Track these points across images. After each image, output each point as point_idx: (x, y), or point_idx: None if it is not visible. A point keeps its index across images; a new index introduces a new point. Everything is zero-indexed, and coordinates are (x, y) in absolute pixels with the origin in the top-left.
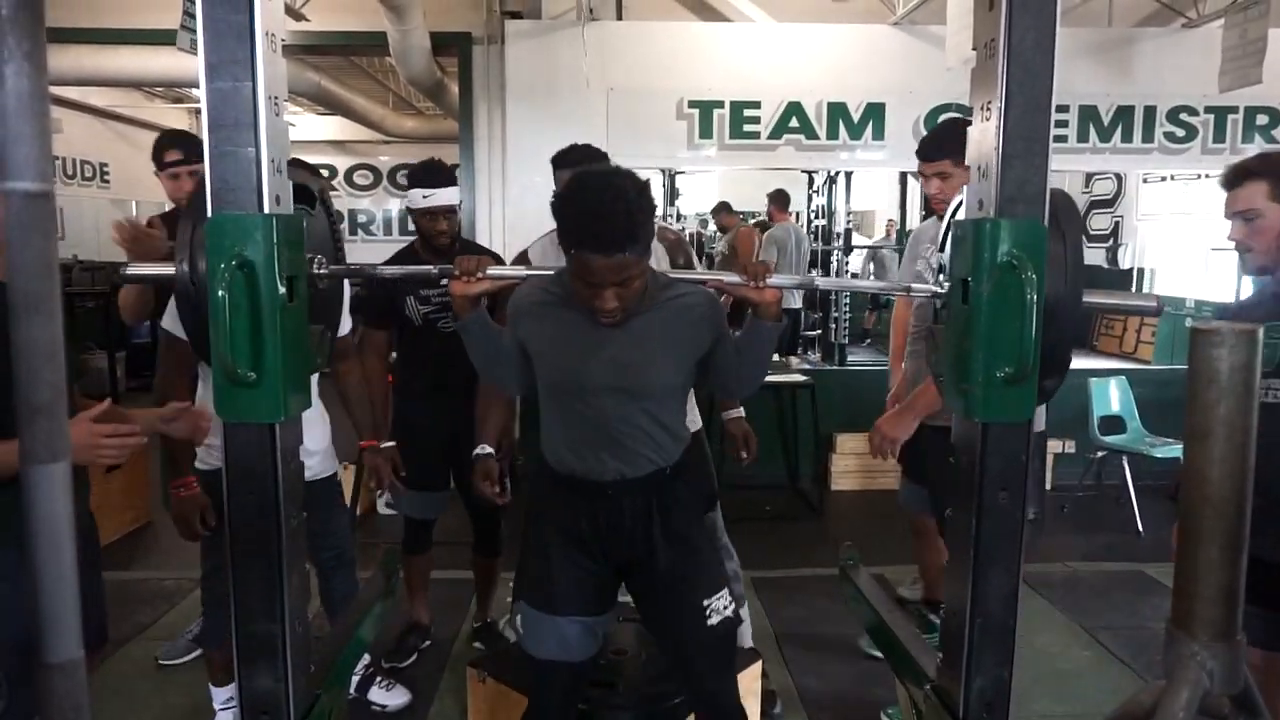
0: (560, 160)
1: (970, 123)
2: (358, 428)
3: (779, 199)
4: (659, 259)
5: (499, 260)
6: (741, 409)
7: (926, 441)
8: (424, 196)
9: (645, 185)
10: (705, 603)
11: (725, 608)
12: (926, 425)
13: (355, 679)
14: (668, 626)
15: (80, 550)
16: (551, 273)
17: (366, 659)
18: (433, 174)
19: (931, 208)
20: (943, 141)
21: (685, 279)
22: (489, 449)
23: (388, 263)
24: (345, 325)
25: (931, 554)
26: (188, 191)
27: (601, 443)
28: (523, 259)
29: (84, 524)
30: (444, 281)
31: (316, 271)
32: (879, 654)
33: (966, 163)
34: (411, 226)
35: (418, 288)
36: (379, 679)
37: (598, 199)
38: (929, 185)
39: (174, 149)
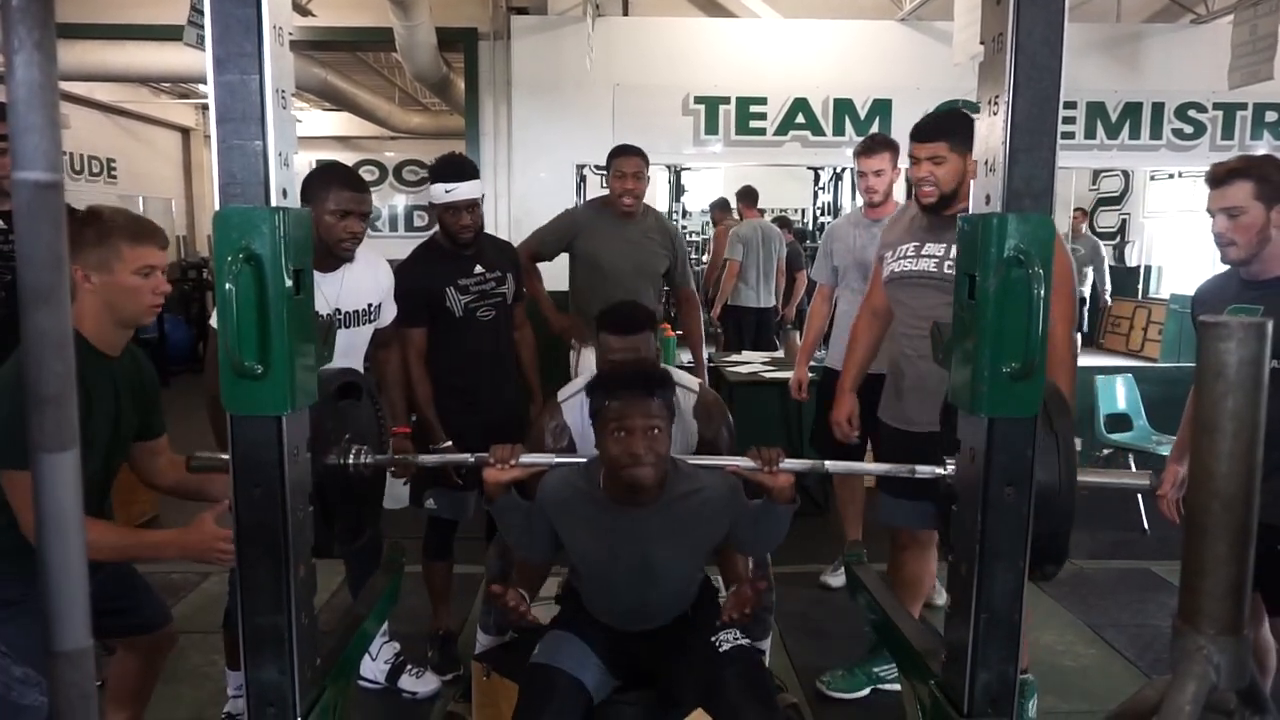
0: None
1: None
2: (391, 413)
3: (747, 196)
4: (686, 428)
5: (515, 258)
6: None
7: (923, 448)
8: (446, 191)
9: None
10: (713, 639)
11: (735, 639)
12: (920, 432)
13: (386, 668)
14: (687, 669)
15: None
16: (579, 462)
17: (397, 647)
18: (453, 168)
19: (919, 199)
20: (941, 122)
21: (704, 465)
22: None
23: (410, 257)
24: (390, 313)
25: (926, 566)
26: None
27: (627, 611)
28: (554, 408)
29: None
30: (477, 269)
31: (362, 461)
32: (837, 694)
33: (974, 158)
34: (419, 222)
35: (456, 277)
36: (409, 667)
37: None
38: (919, 169)
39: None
